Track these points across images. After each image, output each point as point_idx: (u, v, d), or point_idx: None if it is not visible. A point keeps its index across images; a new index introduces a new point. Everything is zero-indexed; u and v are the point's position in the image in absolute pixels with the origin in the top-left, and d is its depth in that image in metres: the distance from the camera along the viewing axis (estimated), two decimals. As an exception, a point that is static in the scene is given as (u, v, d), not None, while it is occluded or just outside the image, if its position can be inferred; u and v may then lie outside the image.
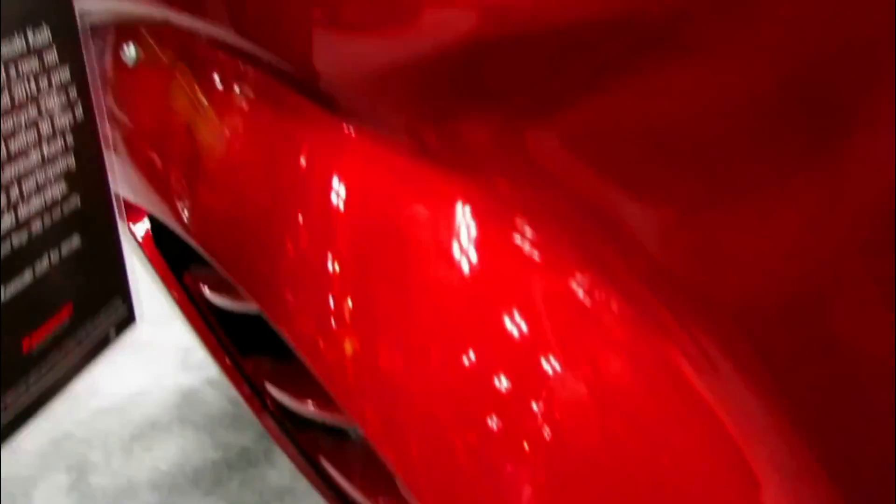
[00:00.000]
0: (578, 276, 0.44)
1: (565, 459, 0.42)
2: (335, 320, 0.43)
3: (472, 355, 0.42)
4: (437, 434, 0.42)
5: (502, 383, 0.42)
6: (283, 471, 1.37)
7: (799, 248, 0.37)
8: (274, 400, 0.66)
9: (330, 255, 0.44)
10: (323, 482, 0.71)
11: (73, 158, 0.44)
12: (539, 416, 0.42)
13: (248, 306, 0.53)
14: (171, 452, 1.44)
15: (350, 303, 0.43)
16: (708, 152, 0.37)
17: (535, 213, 0.44)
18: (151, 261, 0.65)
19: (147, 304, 1.91)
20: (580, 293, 0.44)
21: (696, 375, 0.44)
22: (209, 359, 1.65)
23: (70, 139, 0.43)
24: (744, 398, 0.43)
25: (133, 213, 0.67)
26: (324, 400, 0.51)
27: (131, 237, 0.67)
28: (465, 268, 0.43)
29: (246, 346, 0.68)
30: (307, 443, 0.67)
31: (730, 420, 0.44)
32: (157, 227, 0.69)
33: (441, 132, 0.42)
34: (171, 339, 1.75)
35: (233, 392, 1.58)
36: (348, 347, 0.44)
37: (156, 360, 1.70)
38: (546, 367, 0.42)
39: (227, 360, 0.66)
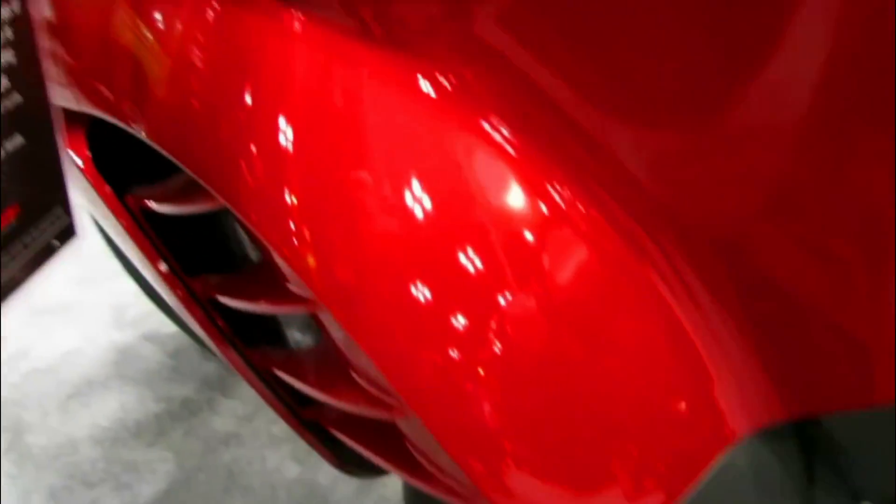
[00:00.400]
0: (553, 180, 0.46)
1: (522, 351, 0.44)
2: (294, 225, 0.44)
3: (432, 249, 0.44)
4: (400, 330, 0.43)
5: (464, 281, 0.44)
6: (227, 417, 1.37)
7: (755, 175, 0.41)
8: (224, 319, 0.67)
9: (284, 147, 0.44)
10: (277, 398, 0.72)
11: (13, 53, 0.43)
12: (501, 315, 0.43)
13: (196, 207, 0.53)
14: (110, 408, 1.42)
15: (308, 202, 0.44)
16: (669, 62, 0.39)
17: (507, 109, 0.45)
18: (94, 185, 0.64)
19: (73, 265, 1.86)
20: (555, 196, 0.46)
21: (662, 284, 0.47)
22: (143, 315, 1.63)
23: (9, 33, 0.43)
24: (712, 315, 0.46)
25: (71, 139, 0.66)
26: (276, 297, 0.52)
27: (71, 163, 0.66)
28: (421, 156, 0.45)
29: (191, 268, 0.68)
30: (259, 360, 0.68)
31: (692, 326, 0.47)
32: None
33: (381, 12, 0.43)
34: (100, 299, 1.72)
35: (171, 345, 1.57)
36: (311, 260, 0.44)
37: (87, 320, 1.66)
38: (508, 271, 0.44)
39: (178, 285, 0.66)
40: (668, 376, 0.47)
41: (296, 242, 0.43)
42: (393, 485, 1.21)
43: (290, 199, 0.44)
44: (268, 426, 1.34)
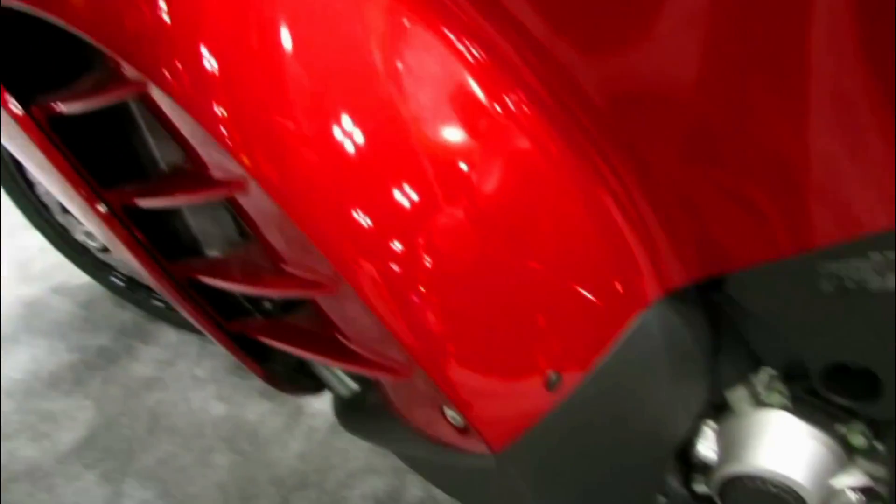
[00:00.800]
0: (511, 91, 0.47)
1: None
2: (224, 100, 0.43)
3: (369, 125, 0.44)
4: (337, 203, 0.44)
5: (404, 155, 0.44)
6: (147, 363, 1.35)
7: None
8: (141, 227, 0.66)
9: (210, 20, 0.43)
10: (202, 313, 0.71)
11: None
12: (440, 194, 0.45)
13: (108, 98, 0.52)
14: (21, 361, 1.37)
15: (238, 73, 0.43)
16: None
17: (470, 29, 0.47)
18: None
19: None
20: (509, 104, 0.48)
21: (595, 175, 0.49)
22: (50, 268, 1.57)
23: None
24: (632, 192, 0.50)
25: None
26: (196, 186, 0.52)
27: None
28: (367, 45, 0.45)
29: (105, 181, 0.66)
30: (182, 271, 0.67)
31: (616, 206, 0.50)
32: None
33: None
34: (3, 255, 1.64)
35: (82, 296, 1.52)
36: (242, 134, 0.43)
37: (-11, 277, 1.60)
38: (456, 171, 0.45)
39: (94, 198, 0.64)
40: (594, 260, 0.50)
41: (225, 116, 0.43)
42: (322, 416, 1.22)
43: (217, 72, 0.43)
44: (190, 369, 1.32)
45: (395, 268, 0.44)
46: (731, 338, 0.59)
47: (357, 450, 1.15)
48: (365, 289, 0.44)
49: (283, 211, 0.45)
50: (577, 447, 0.54)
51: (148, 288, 1.33)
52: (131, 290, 1.35)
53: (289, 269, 0.52)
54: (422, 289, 0.45)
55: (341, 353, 0.55)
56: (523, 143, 0.48)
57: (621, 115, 0.47)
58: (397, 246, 0.44)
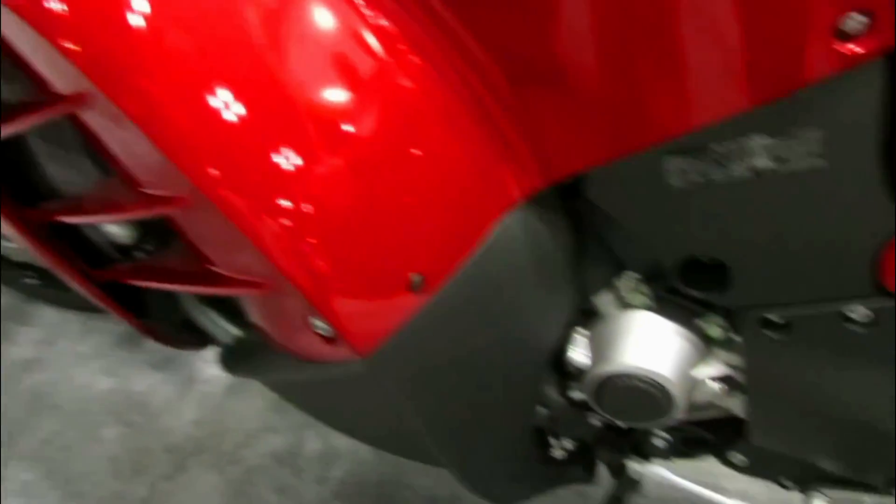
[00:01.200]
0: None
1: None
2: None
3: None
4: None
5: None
6: (24, 345, 1.28)
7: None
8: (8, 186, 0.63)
9: None
10: (68, 264, 0.68)
11: None
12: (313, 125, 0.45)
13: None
14: None
15: None
16: None
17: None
18: None
19: None
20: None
21: (468, 103, 0.51)
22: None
23: None
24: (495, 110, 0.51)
25: None
26: (33, 108, 0.50)
27: None
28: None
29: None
30: (38, 216, 0.64)
31: (490, 133, 0.52)
32: None
33: None
34: None
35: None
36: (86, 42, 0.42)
37: None
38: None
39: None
40: (456, 168, 0.51)
41: (69, 23, 0.41)
42: (215, 381, 1.19)
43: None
44: (73, 346, 1.27)
45: (245, 172, 0.44)
46: (595, 244, 0.61)
47: (254, 411, 1.14)
48: (216, 195, 0.44)
49: (135, 125, 0.43)
50: (448, 352, 0.55)
51: (19, 265, 1.26)
52: (-2, 270, 1.28)
53: (147, 190, 0.51)
54: (275, 190, 0.45)
55: (208, 279, 0.54)
56: (399, 77, 0.48)
57: (483, 24, 0.48)
58: (245, 148, 0.44)
